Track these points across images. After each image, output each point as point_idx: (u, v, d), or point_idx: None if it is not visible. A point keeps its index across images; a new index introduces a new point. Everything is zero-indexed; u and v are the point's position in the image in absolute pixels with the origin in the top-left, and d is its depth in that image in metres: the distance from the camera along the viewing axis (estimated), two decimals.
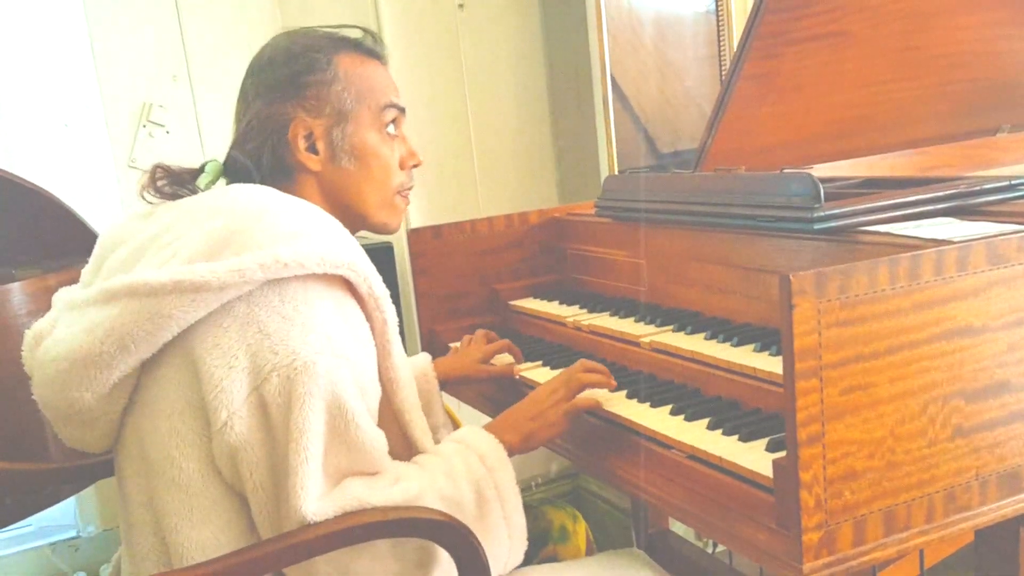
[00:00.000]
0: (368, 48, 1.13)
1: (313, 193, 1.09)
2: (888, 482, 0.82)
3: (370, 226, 1.13)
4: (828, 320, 0.78)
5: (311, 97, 1.07)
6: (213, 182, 1.08)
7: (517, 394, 1.18)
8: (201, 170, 1.08)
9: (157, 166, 1.06)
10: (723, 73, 2.36)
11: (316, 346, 0.90)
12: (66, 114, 2.10)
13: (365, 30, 1.14)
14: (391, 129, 1.13)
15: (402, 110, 1.14)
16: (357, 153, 1.09)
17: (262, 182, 1.06)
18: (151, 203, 1.06)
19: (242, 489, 0.92)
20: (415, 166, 1.16)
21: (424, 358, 1.40)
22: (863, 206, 1.11)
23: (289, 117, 1.06)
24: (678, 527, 1.94)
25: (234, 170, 1.09)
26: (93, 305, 0.94)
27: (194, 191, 1.06)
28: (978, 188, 1.13)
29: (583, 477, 2.62)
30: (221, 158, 1.11)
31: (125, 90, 2.16)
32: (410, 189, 1.16)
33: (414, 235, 1.70)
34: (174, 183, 1.05)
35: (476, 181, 2.54)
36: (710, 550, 2.07)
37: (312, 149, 1.08)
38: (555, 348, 1.47)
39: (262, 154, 1.07)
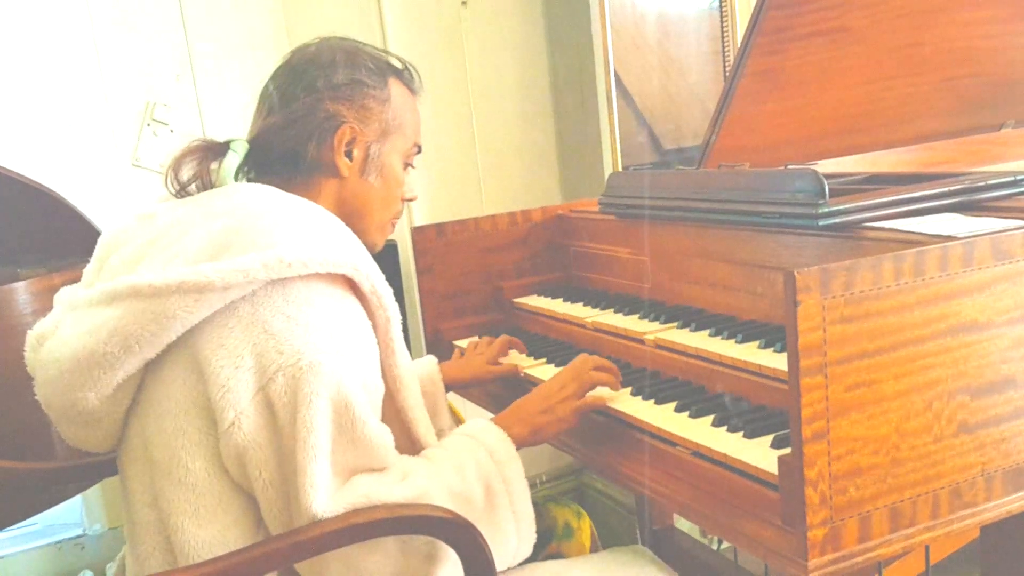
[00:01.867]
0: (409, 81, 1.18)
1: (329, 196, 1.10)
2: (893, 478, 0.82)
3: (362, 243, 1.14)
4: (833, 316, 0.78)
5: (365, 108, 1.11)
6: (243, 165, 1.09)
7: (522, 392, 1.18)
8: (227, 146, 1.09)
9: (187, 151, 1.07)
10: (727, 69, 2.36)
11: (320, 345, 0.90)
12: (70, 113, 2.11)
13: (407, 64, 1.19)
14: (411, 161, 1.19)
15: (421, 150, 1.21)
16: (383, 172, 1.14)
17: (288, 172, 1.08)
18: (180, 195, 1.06)
19: (250, 488, 0.92)
20: (410, 200, 1.21)
21: (430, 361, 1.40)
22: (867, 202, 1.10)
23: (344, 119, 1.09)
24: (683, 524, 1.94)
25: (261, 153, 1.10)
26: (96, 306, 0.94)
27: (207, 181, 1.06)
28: (983, 184, 1.12)
29: (587, 474, 2.62)
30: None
31: (129, 89, 2.16)
32: (398, 218, 1.21)
33: (418, 233, 1.70)
34: (204, 161, 1.06)
35: (480, 179, 2.54)
36: (715, 547, 2.07)
37: (348, 155, 1.10)
38: (559, 345, 1.47)
39: (305, 145, 1.08)
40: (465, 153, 2.51)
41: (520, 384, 1.38)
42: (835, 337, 0.78)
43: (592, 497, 2.59)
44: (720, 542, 2.11)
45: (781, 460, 0.83)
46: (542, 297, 1.66)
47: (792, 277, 0.76)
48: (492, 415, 1.14)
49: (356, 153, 1.11)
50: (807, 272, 0.77)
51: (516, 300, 1.68)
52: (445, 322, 1.70)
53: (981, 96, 1.71)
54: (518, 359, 1.44)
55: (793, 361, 0.78)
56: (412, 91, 1.18)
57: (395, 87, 1.14)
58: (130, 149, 2.17)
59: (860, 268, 0.79)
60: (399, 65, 1.17)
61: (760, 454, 0.92)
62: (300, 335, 0.90)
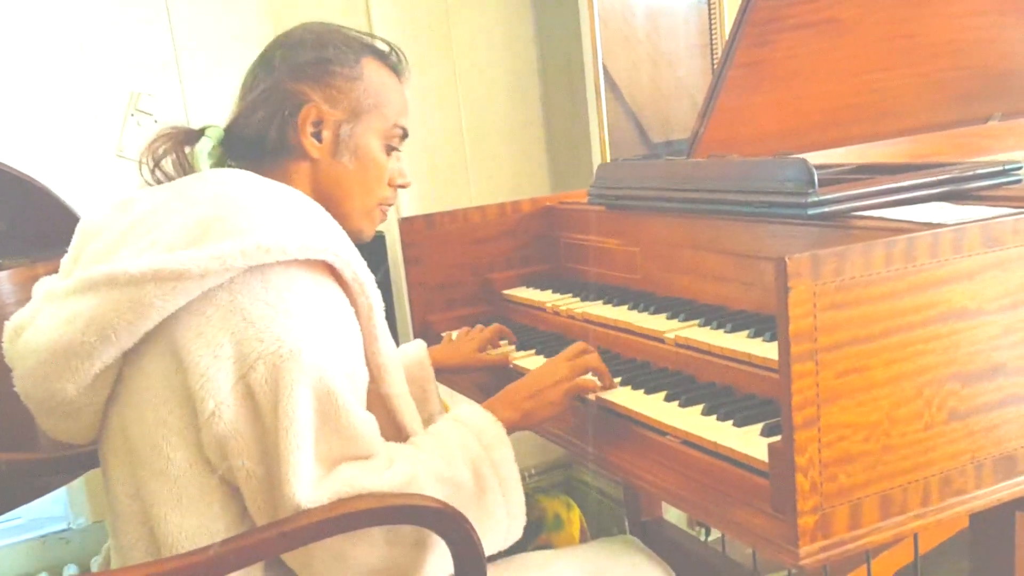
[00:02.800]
0: (394, 63, 1.16)
1: (303, 180, 1.09)
2: (884, 465, 0.81)
3: (346, 229, 1.12)
4: (824, 303, 0.78)
5: (332, 87, 1.08)
6: (215, 149, 1.08)
7: (510, 382, 1.17)
8: (201, 133, 1.07)
9: (160, 135, 1.06)
10: (715, 63, 2.36)
11: (301, 332, 0.89)
12: (54, 102, 2.08)
13: (393, 46, 1.16)
14: (394, 143, 1.15)
15: (407, 134, 1.17)
16: (359, 154, 1.10)
17: (259, 156, 1.06)
18: (155, 182, 1.05)
19: (232, 478, 0.91)
20: (402, 186, 1.18)
21: (419, 346, 1.39)
22: (857, 191, 1.10)
23: (305, 98, 1.06)
24: (671, 515, 1.94)
25: (234, 139, 1.09)
26: (73, 295, 0.92)
27: (185, 165, 1.05)
28: (971, 173, 1.12)
29: (576, 467, 2.62)
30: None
31: (113, 78, 2.14)
32: (390, 205, 1.18)
33: (406, 224, 1.69)
34: (177, 144, 1.05)
35: (468, 170, 2.53)
36: (703, 538, 2.07)
37: (317, 137, 1.08)
38: (548, 337, 1.47)
39: (268, 127, 1.06)
40: (454, 144, 2.50)
41: (509, 374, 1.37)
42: (826, 323, 0.78)
43: (580, 489, 2.59)
44: (708, 533, 2.11)
45: (771, 447, 0.83)
46: (531, 288, 1.66)
47: (783, 263, 0.76)
48: (475, 406, 1.13)
49: (326, 134, 1.08)
50: (798, 258, 0.76)
51: (505, 291, 1.67)
52: (434, 314, 1.69)
53: (968, 89, 1.72)
54: (508, 349, 1.43)
55: (784, 348, 0.77)
56: (394, 72, 1.15)
57: (370, 66, 1.11)
58: (114, 139, 2.15)
59: (851, 254, 0.79)
60: (381, 46, 1.15)
61: (750, 442, 0.91)
62: (280, 322, 0.88)
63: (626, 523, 1.92)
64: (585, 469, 2.55)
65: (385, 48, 1.15)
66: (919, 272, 0.82)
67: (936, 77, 1.67)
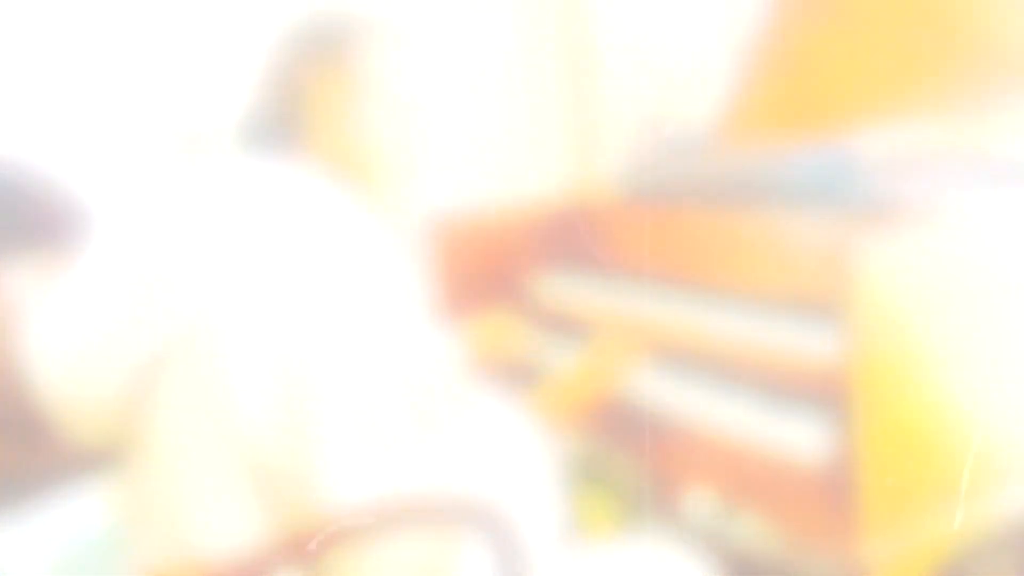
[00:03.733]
0: (400, 45, 1.14)
1: (318, 160, 1.08)
2: (949, 455, 0.79)
3: (369, 206, 1.12)
4: (886, 288, 0.76)
5: (341, 69, 1.08)
6: (239, 140, 1.08)
7: (535, 380, 1.16)
8: (227, 129, 1.09)
9: (195, 138, 1.06)
10: (735, 50, 2.35)
11: (337, 326, 0.89)
12: (70, 102, 2.08)
13: (399, 28, 1.16)
14: (403, 125, 1.14)
15: (416, 116, 1.16)
16: (366, 134, 1.10)
17: (275, 142, 1.06)
18: (175, 178, 1.05)
19: (266, 480, 0.90)
20: (414, 171, 1.17)
21: (443, 344, 1.39)
22: (901, 175, 1.08)
23: (316, 82, 1.06)
24: (698, 511, 1.92)
25: (253, 128, 1.08)
26: (98, 295, 0.93)
27: (206, 158, 1.05)
28: (1014, 155, 1.10)
29: (603, 462, 2.61)
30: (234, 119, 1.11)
31: (135, 76, 2.13)
32: (404, 189, 1.18)
33: (424, 223, 1.68)
34: (198, 140, 1.05)
35: (480, 168, 2.52)
36: (731, 532, 2.06)
37: (329, 118, 1.07)
38: (574, 333, 1.45)
39: (278, 112, 1.07)
40: (468, 142, 2.49)
41: (535, 370, 1.36)
42: (889, 312, 0.76)
43: (608, 485, 2.58)
44: (735, 526, 2.09)
45: (833, 439, 0.81)
46: (554, 285, 1.63)
47: (847, 250, 0.75)
48: (506, 402, 1.13)
49: (332, 114, 1.08)
50: (859, 245, 0.75)
51: (528, 288, 1.66)
52: (455, 313, 1.68)
53: (995, 73, 1.71)
54: (533, 344, 1.43)
55: (846, 337, 0.76)
56: (400, 54, 1.15)
57: (372, 45, 1.11)
58: (132, 135, 2.14)
59: (907, 240, 0.77)
60: (387, 26, 1.14)
61: (804, 435, 0.89)
62: (315, 317, 0.89)
63: (652, 520, 1.91)
64: (615, 462, 2.54)
65: (391, 29, 1.15)
66: (981, 254, 0.80)
67: (960, 63, 1.66)
